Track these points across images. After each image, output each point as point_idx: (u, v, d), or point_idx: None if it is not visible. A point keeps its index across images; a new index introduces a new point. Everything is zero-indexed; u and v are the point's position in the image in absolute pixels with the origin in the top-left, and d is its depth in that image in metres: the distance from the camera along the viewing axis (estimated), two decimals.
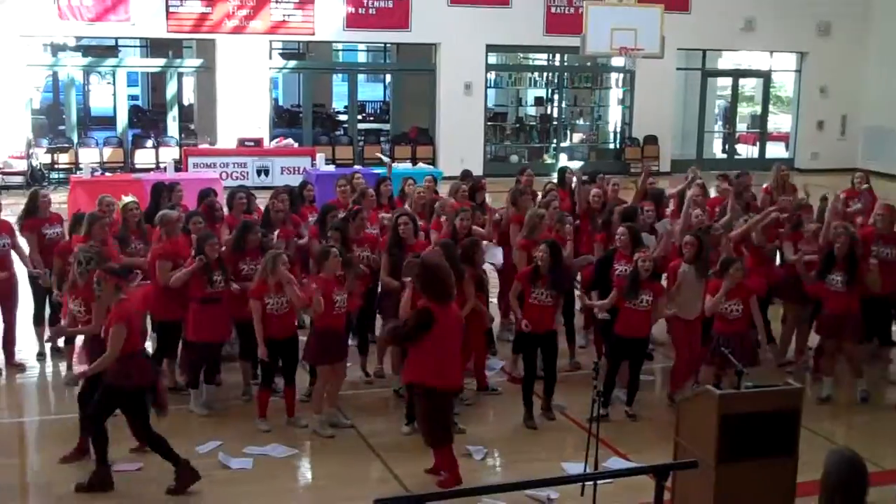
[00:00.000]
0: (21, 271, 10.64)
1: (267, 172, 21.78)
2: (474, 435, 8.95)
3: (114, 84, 25.33)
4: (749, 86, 31.62)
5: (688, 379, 9.71)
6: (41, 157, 22.14)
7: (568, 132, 27.78)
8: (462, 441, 8.73)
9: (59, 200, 17.26)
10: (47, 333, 10.10)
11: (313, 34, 23.80)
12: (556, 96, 27.48)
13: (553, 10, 24.97)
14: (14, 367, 10.54)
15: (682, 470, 6.65)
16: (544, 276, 9.03)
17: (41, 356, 10.82)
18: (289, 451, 8.63)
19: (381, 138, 26.30)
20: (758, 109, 30.14)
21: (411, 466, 8.29)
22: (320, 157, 21.17)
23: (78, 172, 20.42)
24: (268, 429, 8.96)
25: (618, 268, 9.73)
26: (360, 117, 28.85)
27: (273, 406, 9.17)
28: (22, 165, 21.57)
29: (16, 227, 10.70)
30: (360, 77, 30.21)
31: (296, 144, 23.02)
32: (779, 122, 32.11)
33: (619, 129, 27.71)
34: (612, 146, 27.79)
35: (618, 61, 25.52)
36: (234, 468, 8.30)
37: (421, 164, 22.10)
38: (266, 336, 8.78)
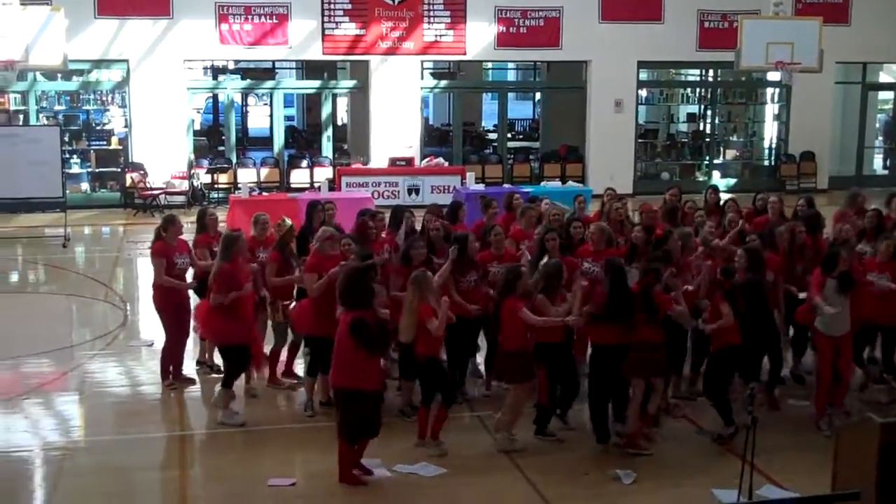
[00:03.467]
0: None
1: (418, 191, 22.04)
2: (619, 459, 8.86)
3: (271, 105, 26.06)
4: None
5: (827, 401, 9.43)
6: (202, 177, 22.95)
7: (721, 149, 27.21)
8: (610, 465, 8.65)
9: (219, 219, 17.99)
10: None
11: (465, 54, 24.01)
12: (708, 112, 26.98)
13: (707, 24, 24.55)
14: (185, 380, 10.94)
15: (842, 501, 6.41)
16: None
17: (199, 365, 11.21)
18: (438, 471, 8.68)
19: (531, 156, 26.30)
20: None
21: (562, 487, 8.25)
22: (470, 175, 21.31)
23: (236, 192, 21.12)
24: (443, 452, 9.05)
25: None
26: (509, 136, 28.92)
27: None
28: (184, 185, 22.38)
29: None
30: (510, 95, 30.27)
31: (446, 163, 23.24)
32: None
33: (774, 146, 27.01)
34: (766, 163, 27.09)
35: (773, 76, 24.87)
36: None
37: (571, 182, 22.00)
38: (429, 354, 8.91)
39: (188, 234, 11.31)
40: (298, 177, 23.59)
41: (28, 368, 11.69)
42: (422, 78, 24.48)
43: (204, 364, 11.17)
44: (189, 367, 11.17)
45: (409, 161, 22.81)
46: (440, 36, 23.59)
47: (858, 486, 6.26)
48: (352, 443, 8.30)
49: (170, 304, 10.65)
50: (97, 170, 23.11)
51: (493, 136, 28.85)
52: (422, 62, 24.18)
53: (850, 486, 6.39)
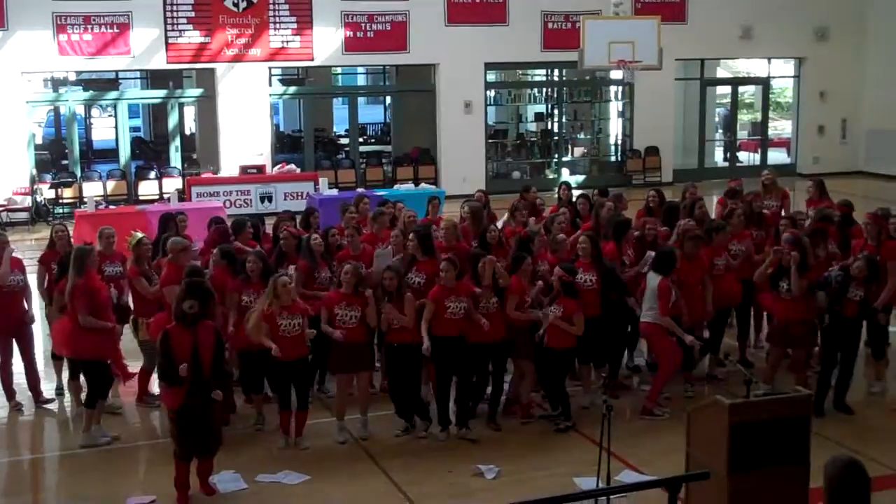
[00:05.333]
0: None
1: (270, 199, 21.84)
2: (482, 454, 8.99)
3: (115, 117, 25.45)
4: (748, 93, 31.70)
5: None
6: (45, 192, 22.22)
7: (569, 147, 27.82)
8: (472, 460, 8.77)
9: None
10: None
11: (312, 59, 23.90)
12: (556, 111, 27.53)
13: (550, 25, 25.05)
14: (42, 402, 10.58)
15: (693, 481, 6.65)
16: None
17: (59, 391, 10.84)
18: (301, 478, 8.64)
19: (383, 160, 26.37)
20: (758, 116, 30.15)
21: (426, 486, 8.32)
22: (323, 181, 21.24)
23: (82, 206, 20.50)
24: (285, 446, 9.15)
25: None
26: (361, 140, 28.94)
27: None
28: (26, 202, 21.65)
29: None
30: (361, 100, 30.29)
31: (298, 170, 23.09)
32: (779, 127, 32.14)
33: (620, 142, 27.75)
34: (613, 159, 27.82)
35: (616, 74, 25.61)
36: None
37: (424, 185, 22.15)
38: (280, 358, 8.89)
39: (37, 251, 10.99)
40: (147, 188, 23.09)
41: None
42: (270, 84, 24.27)
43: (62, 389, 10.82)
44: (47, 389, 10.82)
45: (261, 169, 22.59)
46: (287, 42, 23.42)
47: (710, 467, 6.48)
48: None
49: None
50: None
51: (344, 140, 28.82)
52: (269, 68, 23.97)
53: (702, 467, 6.62)
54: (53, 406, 10.62)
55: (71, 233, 11.78)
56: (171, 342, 7.94)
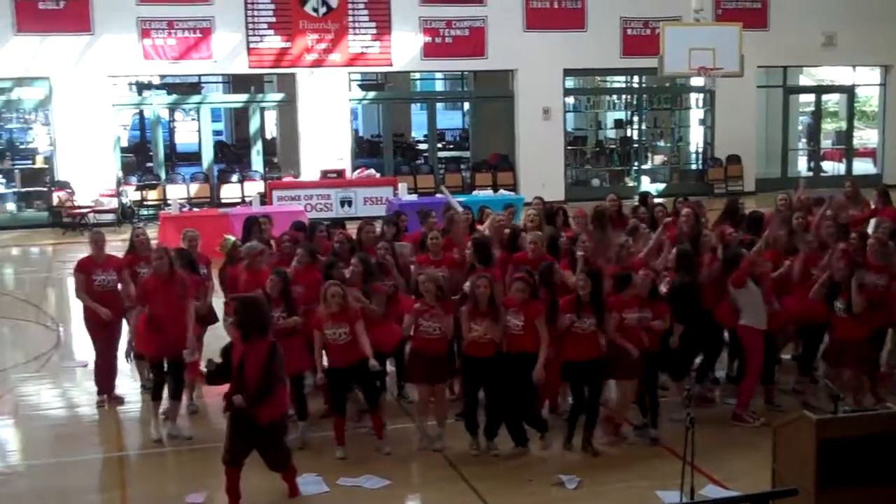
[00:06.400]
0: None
1: (350, 203, 22.02)
2: (564, 464, 8.92)
3: (198, 120, 25.85)
4: (832, 101, 31.13)
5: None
6: (131, 194, 22.68)
7: (649, 154, 27.61)
8: (553, 470, 8.72)
9: (149, 236, 17.78)
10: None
11: (391, 65, 24.05)
12: (635, 118, 27.34)
13: (629, 32, 24.90)
14: (114, 399, 10.79)
15: (781, 498, 6.54)
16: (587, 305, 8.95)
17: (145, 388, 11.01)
18: (382, 483, 8.67)
19: (462, 166, 26.42)
20: (843, 125, 29.62)
21: (506, 495, 8.30)
22: (402, 186, 21.36)
23: (166, 208, 20.89)
24: (342, 455, 9.08)
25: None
26: (439, 145, 29.02)
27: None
28: (112, 203, 22.09)
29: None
30: (439, 105, 30.39)
31: (377, 174, 23.25)
32: (865, 137, 31.51)
33: (700, 150, 27.46)
34: (694, 167, 27.54)
35: (697, 81, 25.33)
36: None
37: (502, 191, 22.14)
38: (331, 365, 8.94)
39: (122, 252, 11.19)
40: (229, 192, 23.45)
41: None
42: (349, 89, 24.46)
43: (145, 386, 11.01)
44: (126, 388, 11.03)
45: (341, 173, 22.78)
46: (366, 47, 23.61)
47: (797, 484, 6.39)
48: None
49: (93, 318, 10.50)
50: (23, 189, 22.72)
51: (423, 146, 28.93)
52: (349, 74, 24.16)
53: (789, 484, 6.52)
54: (136, 403, 10.80)
55: (155, 235, 11.94)
56: (232, 351, 8.02)
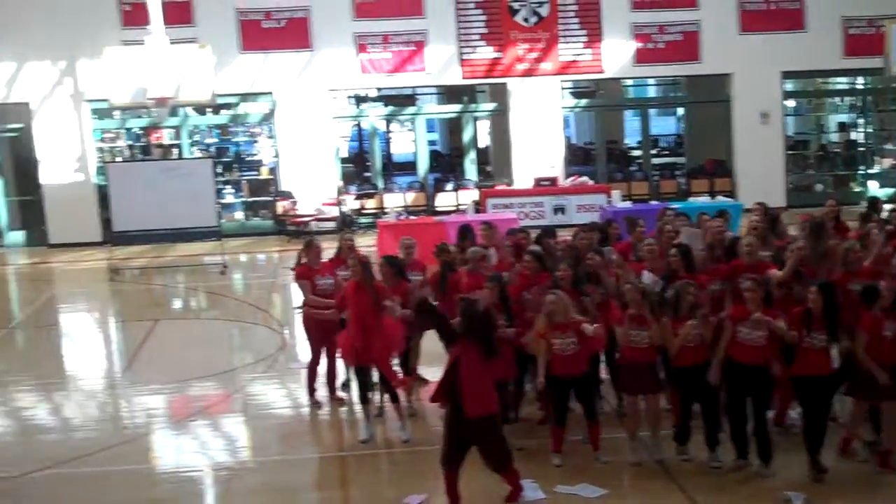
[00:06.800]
0: None
1: (563, 210, 21.99)
2: (786, 478, 8.62)
3: (414, 131, 26.40)
4: None
5: None
6: (350, 203, 23.40)
7: (876, 158, 26.33)
8: (777, 486, 8.43)
9: (367, 244, 18.36)
10: None
11: (602, 72, 23.91)
12: (860, 121, 26.16)
13: (851, 31, 23.85)
14: (336, 401, 11.14)
15: None
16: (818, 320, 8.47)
17: (345, 387, 11.32)
18: (598, 491, 8.61)
19: (676, 172, 25.96)
20: None
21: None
22: (616, 193, 21.19)
23: (384, 217, 21.46)
24: (559, 463, 9.05)
25: None
26: (653, 152, 28.61)
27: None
28: (334, 212, 22.85)
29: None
30: (652, 111, 29.95)
31: (590, 182, 23.15)
32: None
33: None
34: None
35: None
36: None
37: (720, 198, 21.62)
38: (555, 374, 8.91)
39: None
40: (444, 200, 23.83)
41: (194, 391, 12.10)
42: (562, 98, 24.45)
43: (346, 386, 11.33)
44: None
45: (554, 181, 22.81)
46: (577, 55, 23.56)
47: None
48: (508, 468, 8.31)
49: (313, 322, 10.87)
50: (250, 199, 23.83)
51: (636, 152, 28.60)
52: (560, 82, 24.16)
53: None
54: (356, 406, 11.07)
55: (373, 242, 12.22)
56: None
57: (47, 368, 13.69)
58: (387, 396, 10.19)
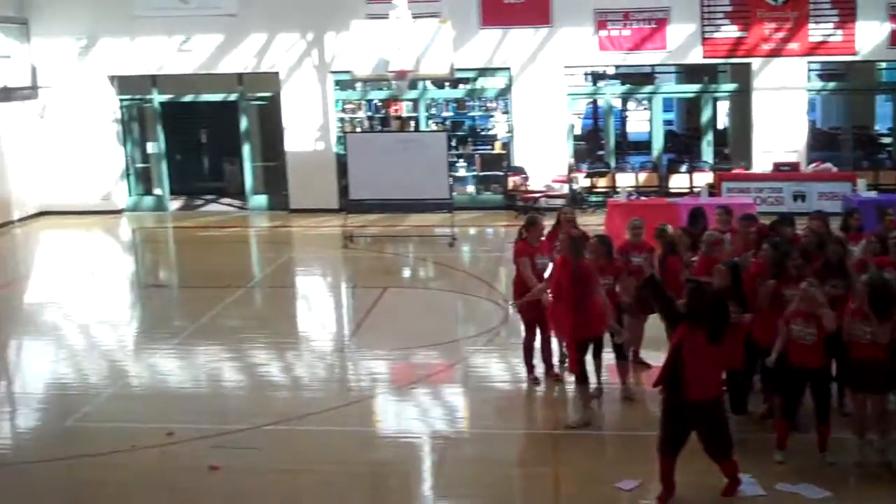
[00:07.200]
0: None
1: (803, 198, 21.08)
2: None
3: (650, 110, 25.96)
4: None
5: None
6: (581, 181, 23.27)
7: None
8: None
9: (596, 223, 18.24)
10: None
11: (854, 53, 22.74)
12: None
13: None
14: (552, 377, 11.14)
15: None
16: None
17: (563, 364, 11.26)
18: (822, 493, 8.26)
19: None
20: None
21: None
22: (861, 182, 20.18)
23: (615, 196, 21.23)
24: (781, 460, 8.74)
25: None
26: None
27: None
28: (563, 189, 22.80)
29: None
30: None
31: (834, 169, 22.13)
32: None
33: None
34: None
35: None
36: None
37: None
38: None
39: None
40: (677, 182, 23.33)
41: (417, 359, 12.39)
42: (808, 80, 23.44)
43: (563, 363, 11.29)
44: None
45: (795, 166, 21.92)
46: (827, 36, 22.49)
47: None
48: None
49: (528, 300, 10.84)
50: (481, 173, 24.09)
51: (886, 139, 27.11)
52: (808, 63, 23.14)
53: None
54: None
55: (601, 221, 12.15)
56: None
57: (281, 328, 14.38)
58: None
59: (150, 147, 24.71)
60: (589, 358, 10.17)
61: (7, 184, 23.05)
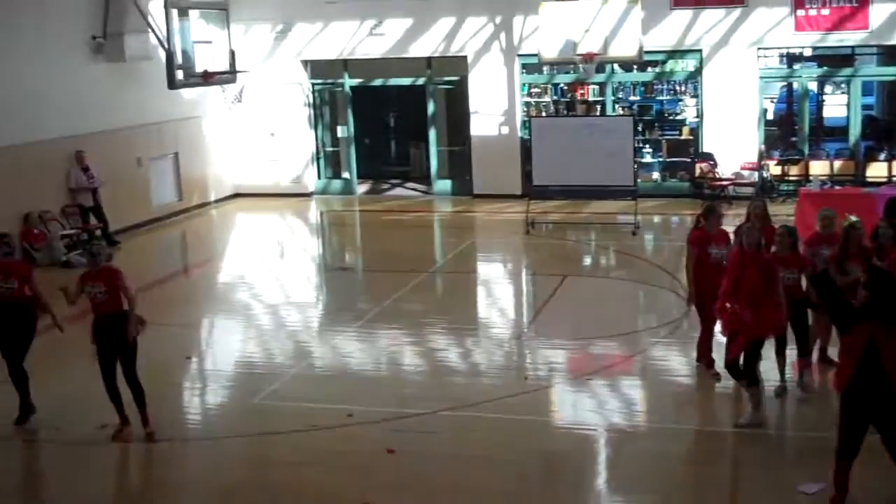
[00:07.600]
0: None
1: None
2: None
3: (848, 94, 24.88)
4: None
5: None
6: (772, 168, 22.50)
7: None
8: None
9: (786, 213, 17.60)
10: None
11: None
12: None
13: None
14: (712, 375, 10.85)
15: None
16: None
17: None
18: None
19: None
20: None
21: None
22: None
23: (807, 185, 20.43)
24: None
25: None
26: None
27: None
28: (753, 176, 22.11)
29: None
30: None
31: None
32: None
33: None
34: None
35: None
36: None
37: None
38: None
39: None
40: (875, 170, 22.28)
41: (596, 350, 12.30)
42: None
43: None
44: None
45: None
46: None
47: None
48: None
49: (704, 291, 10.55)
50: (668, 159, 23.61)
51: None
52: None
53: None
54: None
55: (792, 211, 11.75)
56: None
57: (460, 313, 14.52)
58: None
59: (340, 131, 25.27)
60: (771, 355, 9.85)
61: (206, 165, 24.04)
